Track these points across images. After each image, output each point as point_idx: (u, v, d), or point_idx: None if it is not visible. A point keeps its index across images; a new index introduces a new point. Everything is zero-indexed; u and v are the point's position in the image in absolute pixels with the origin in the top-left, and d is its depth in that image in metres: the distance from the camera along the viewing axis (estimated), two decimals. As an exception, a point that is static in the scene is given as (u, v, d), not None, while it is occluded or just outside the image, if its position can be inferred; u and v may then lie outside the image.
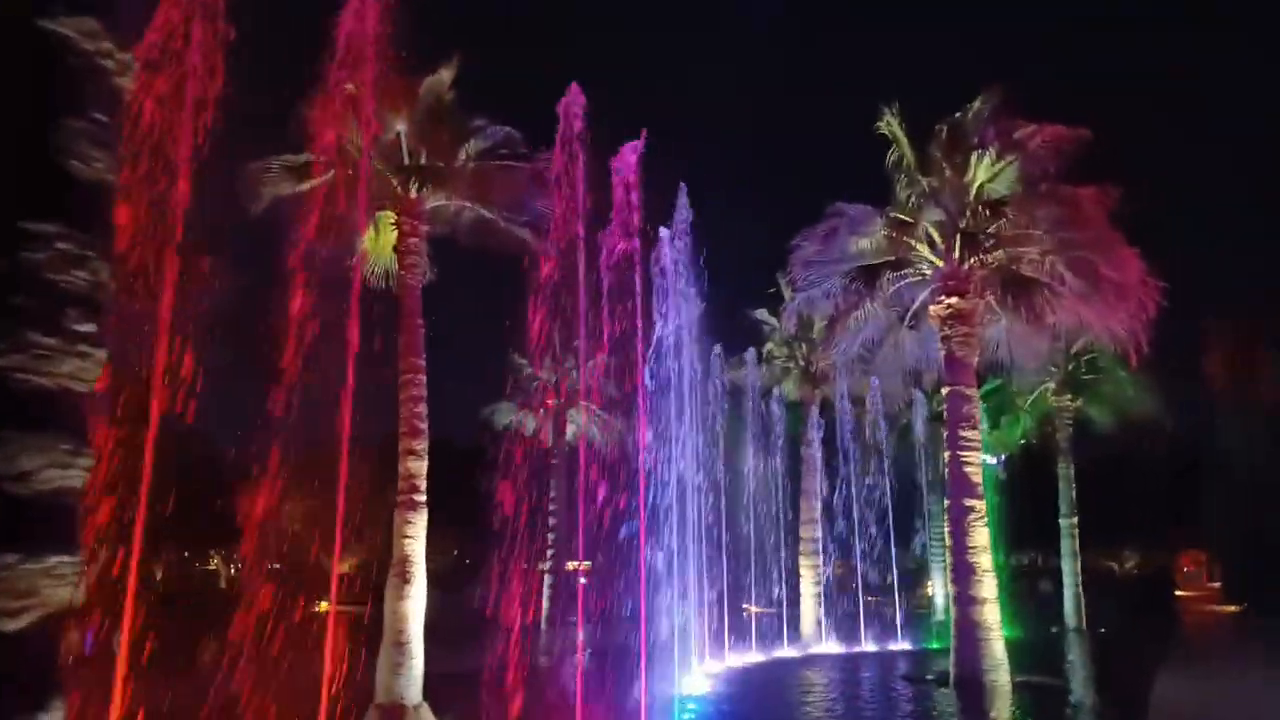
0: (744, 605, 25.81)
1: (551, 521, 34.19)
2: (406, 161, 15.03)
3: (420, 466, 14.28)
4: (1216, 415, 45.53)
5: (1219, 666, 22.75)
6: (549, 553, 33.38)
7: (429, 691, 13.15)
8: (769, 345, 30.29)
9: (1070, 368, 35.39)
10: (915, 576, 30.98)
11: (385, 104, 14.58)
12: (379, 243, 16.11)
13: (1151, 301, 17.54)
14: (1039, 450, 38.06)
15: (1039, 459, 37.83)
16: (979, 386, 35.29)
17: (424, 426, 14.38)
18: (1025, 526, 41.16)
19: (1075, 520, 35.18)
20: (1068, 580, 34.70)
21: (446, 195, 15.36)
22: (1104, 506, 48.12)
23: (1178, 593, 56.69)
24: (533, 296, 12.53)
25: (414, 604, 13.96)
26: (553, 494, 34.01)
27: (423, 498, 14.28)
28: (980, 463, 17.82)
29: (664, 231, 13.56)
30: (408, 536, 14.13)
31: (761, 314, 30.32)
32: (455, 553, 46.49)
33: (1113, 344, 19.01)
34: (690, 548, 16.92)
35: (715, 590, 19.57)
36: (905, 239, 18.63)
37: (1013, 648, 25.74)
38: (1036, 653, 25.37)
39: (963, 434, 17.81)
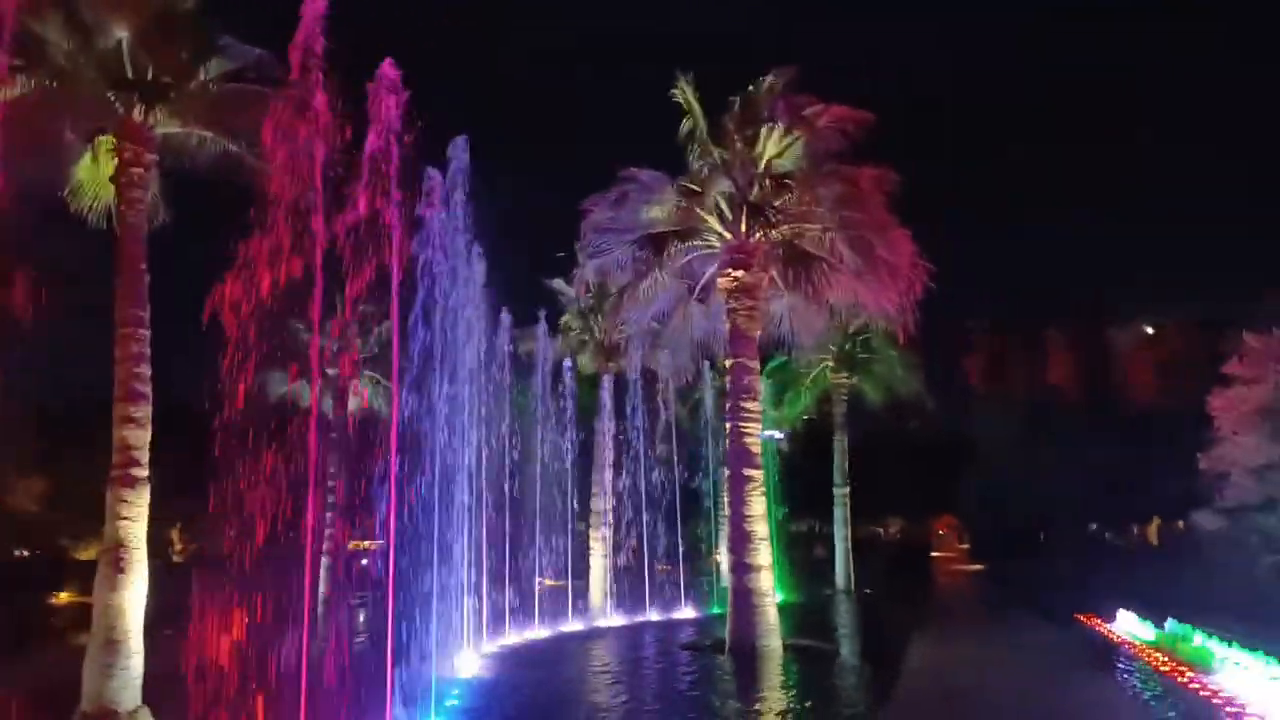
0: (539, 579, 25.18)
1: (330, 499, 31.84)
2: (129, 75, 12.71)
3: (140, 436, 12.23)
4: (973, 401, 50.68)
5: (964, 621, 25.14)
6: (327, 532, 30.99)
7: (158, 693, 11.34)
8: (565, 317, 29.64)
9: (848, 347, 37.54)
10: (704, 546, 31.68)
11: (103, 2, 12.27)
12: (98, 173, 13.64)
13: (919, 282, 18.49)
14: (819, 425, 40.22)
15: (819, 433, 39.98)
16: (765, 363, 36.79)
17: (145, 390, 12.31)
18: (804, 496, 43.67)
19: (847, 490, 37.50)
20: (839, 546, 37.01)
21: (181, 121, 13.19)
22: (873, 478, 52.19)
23: (933, 554, 62.87)
24: (288, 250, 10.90)
25: (131, 595, 11.97)
26: (332, 469, 31.64)
27: (143, 472, 12.25)
28: (759, 434, 18.09)
29: (434, 174, 12.28)
30: (123, 518, 12.07)
31: (558, 284, 29.54)
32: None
33: (884, 322, 19.91)
34: (472, 522, 15.94)
35: (499, 565, 18.72)
36: (695, 209, 18.48)
37: (789, 611, 27.11)
38: (809, 616, 26.70)
39: (743, 405, 17.98)
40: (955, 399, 53.81)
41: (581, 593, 25.60)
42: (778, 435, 55.13)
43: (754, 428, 18.00)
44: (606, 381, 26.70)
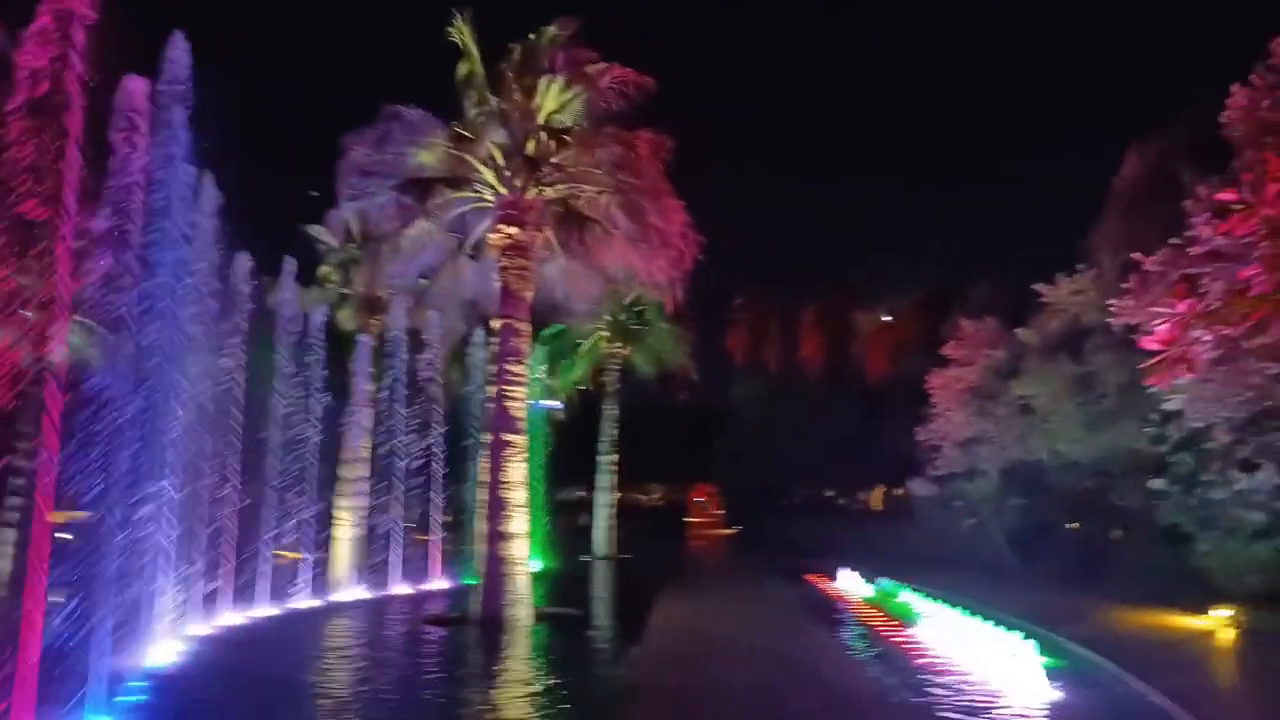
0: (277, 551, 23.07)
1: (26, 464, 27.29)
2: None
3: None
4: (732, 373, 53.59)
5: (710, 582, 26.48)
6: (16, 501, 26.53)
7: None
8: (324, 267, 27.27)
9: (622, 318, 38.08)
10: (467, 515, 30.80)
11: None
12: None
13: (690, 253, 18.76)
14: (593, 394, 40.50)
15: (593, 402, 40.27)
16: (541, 329, 36.32)
17: None
18: (575, 464, 44.01)
19: (614, 458, 38.14)
20: (600, 513, 37.64)
21: None
22: (639, 446, 53.73)
23: (690, 519, 66.12)
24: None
25: None
26: (29, 430, 27.08)
27: None
28: (524, 399, 17.55)
29: (135, 83, 10.08)
30: None
31: (318, 231, 27.06)
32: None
33: (654, 290, 20.04)
34: (186, 490, 13.98)
35: (224, 537, 16.71)
36: (467, 157, 17.45)
37: (546, 579, 27.15)
38: (566, 583, 26.82)
39: (510, 368, 17.37)
40: (717, 371, 56.78)
41: (326, 566, 23.89)
42: (555, 405, 55.20)
43: (519, 392, 17.44)
44: (366, 340, 24.87)
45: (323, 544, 22.84)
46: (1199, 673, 12.37)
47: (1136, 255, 14.59)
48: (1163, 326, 10.77)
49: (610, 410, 38.17)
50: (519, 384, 17.39)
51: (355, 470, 24.48)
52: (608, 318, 37.64)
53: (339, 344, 26.25)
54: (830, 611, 18.81)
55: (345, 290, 27.09)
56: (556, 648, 14.68)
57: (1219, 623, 15.86)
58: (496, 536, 16.58)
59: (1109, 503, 25.43)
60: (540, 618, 16.91)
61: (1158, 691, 10.73)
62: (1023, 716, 9.92)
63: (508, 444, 17.01)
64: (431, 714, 10.58)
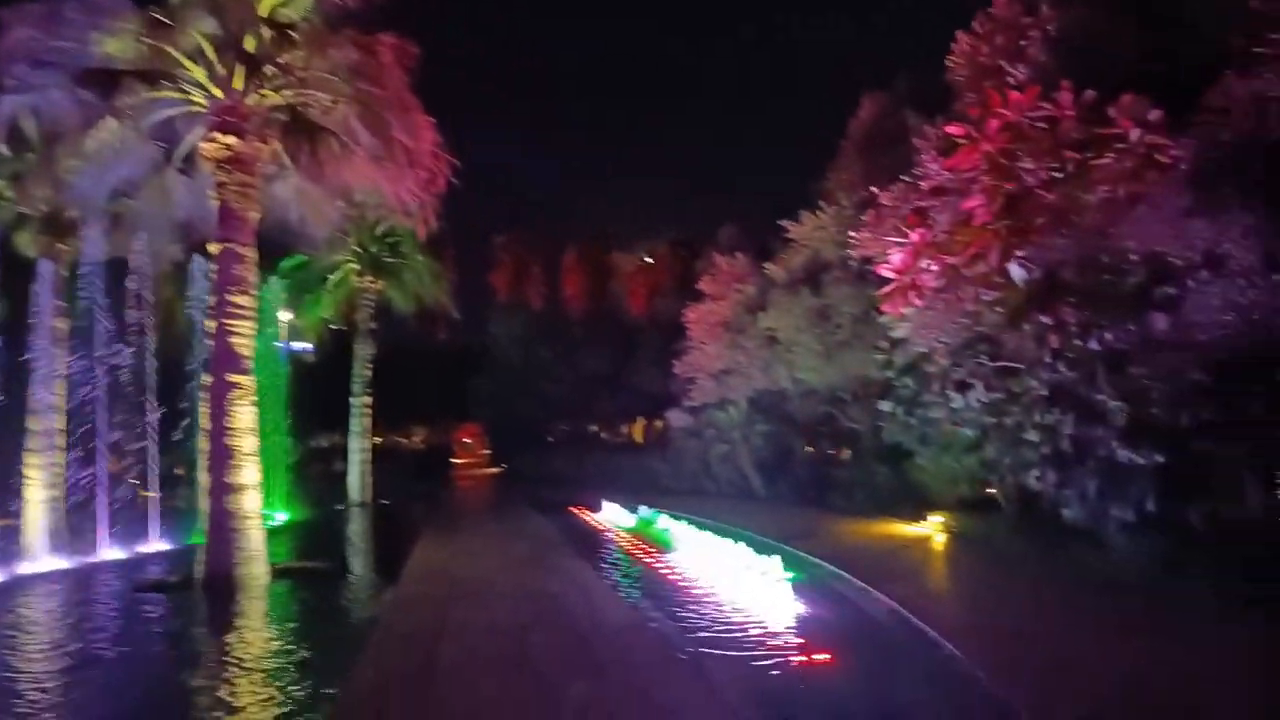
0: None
1: None
2: None
3: None
4: (495, 312, 52.27)
5: (473, 522, 25.79)
6: None
7: None
8: (-5, 181, 22.48)
9: (374, 250, 35.50)
10: (186, 467, 27.48)
11: None
12: None
13: (442, 175, 17.39)
14: (348, 334, 37.72)
15: (349, 342, 37.51)
16: (280, 260, 32.85)
17: None
18: (328, 409, 41.04)
19: (367, 400, 35.87)
20: (354, 458, 35.43)
21: None
22: (398, 387, 51.31)
23: (455, 460, 64.71)
24: None
25: None
26: None
27: None
28: (252, 334, 15.52)
29: None
30: None
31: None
32: None
33: (405, 216, 18.46)
34: None
35: None
36: (168, 49, 14.73)
37: (291, 532, 25.08)
38: (315, 534, 24.90)
39: (233, 300, 15.22)
40: (478, 310, 55.27)
41: (13, 533, 20.28)
42: (304, 347, 50.93)
43: (244, 327, 15.36)
44: (50, 267, 20.96)
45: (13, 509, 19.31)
46: (918, 576, 13.61)
47: (873, 189, 15.47)
48: (896, 256, 11.31)
49: (363, 350, 35.70)
50: (244, 318, 15.31)
51: (44, 422, 20.78)
52: (357, 249, 34.97)
53: (18, 273, 22.04)
54: (592, 543, 18.86)
55: (23, 209, 22.58)
56: (294, 605, 13.31)
57: (934, 528, 17.75)
58: (223, 489, 14.66)
59: (841, 426, 27.79)
60: (280, 574, 15.32)
61: (885, 596, 11.64)
62: (772, 632, 10.27)
63: (233, 386, 14.99)
64: (134, 695, 9.04)
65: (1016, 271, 10.22)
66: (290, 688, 8.81)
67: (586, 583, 13.89)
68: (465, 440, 74.38)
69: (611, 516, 23.28)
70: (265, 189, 17.12)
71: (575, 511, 25.82)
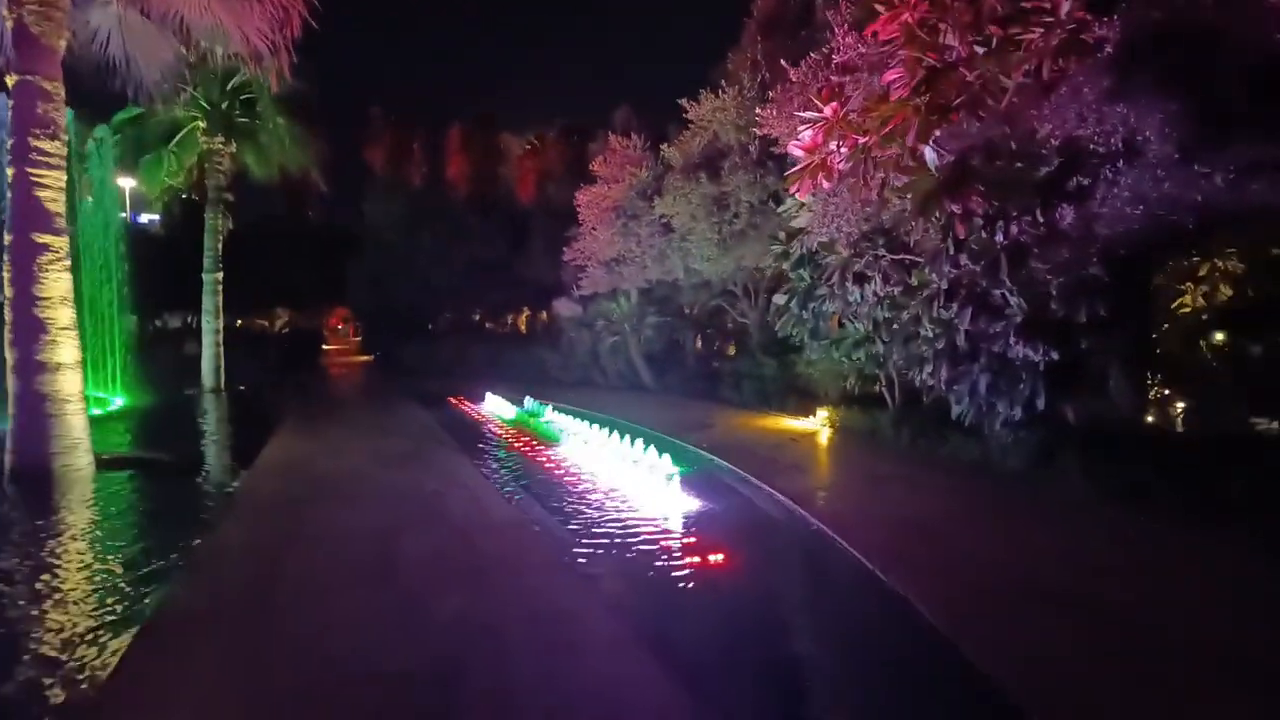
0: None
1: None
2: None
3: None
4: (370, 191, 48.69)
5: (341, 412, 24.21)
6: None
7: None
8: None
9: (224, 105, 31.76)
10: None
11: None
12: None
13: (297, 15, 15.03)
14: (202, 206, 34.06)
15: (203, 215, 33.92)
16: (109, 111, 28.89)
17: None
18: (181, 287, 37.59)
19: (219, 276, 32.78)
20: (207, 340, 32.62)
21: None
22: (263, 266, 47.67)
23: (326, 347, 61.61)
24: None
25: None
26: None
27: None
28: (63, 187, 13.14)
29: None
30: None
31: None
32: None
33: (255, 61, 15.95)
34: None
35: None
36: None
37: (130, 418, 22.81)
38: (158, 422, 22.74)
39: (37, 145, 12.75)
40: (354, 189, 51.54)
41: None
42: (150, 218, 46.09)
43: (53, 178, 12.97)
44: None
45: None
46: (808, 470, 13.32)
47: (783, 62, 14.38)
48: (806, 133, 10.31)
49: (214, 220, 32.32)
50: (52, 166, 12.89)
51: None
52: (205, 104, 31.17)
53: None
54: (473, 436, 17.83)
55: None
56: (118, 504, 11.72)
57: (822, 423, 17.62)
58: (34, 367, 12.61)
59: (732, 320, 27.42)
60: (107, 465, 13.56)
61: (776, 490, 11.22)
62: (664, 530, 9.67)
63: (42, 247, 12.73)
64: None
65: (930, 154, 9.45)
66: (81, 614, 7.42)
67: (465, 479, 12.92)
68: (337, 326, 71.01)
69: (495, 408, 22.25)
70: (78, 16, 14.36)
71: (456, 403, 24.63)
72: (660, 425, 17.75)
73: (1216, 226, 9.67)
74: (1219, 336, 12.35)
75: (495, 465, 14.26)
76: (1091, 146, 9.38)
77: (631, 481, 11.90)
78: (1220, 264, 11.67)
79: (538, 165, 50.51)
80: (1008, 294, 10.46)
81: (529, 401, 21.73)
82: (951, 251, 11.05)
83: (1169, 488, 9.73)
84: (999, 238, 10.43)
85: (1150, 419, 12.37)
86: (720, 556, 8.44)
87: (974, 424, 12.42)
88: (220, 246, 32.70)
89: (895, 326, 13.59)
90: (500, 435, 17.92)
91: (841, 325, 15.75)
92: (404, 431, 18.68)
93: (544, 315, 45.91)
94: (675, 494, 10.76)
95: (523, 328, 49.29)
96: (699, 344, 29.16)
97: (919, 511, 9.99)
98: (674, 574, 8.14)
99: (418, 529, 9.67)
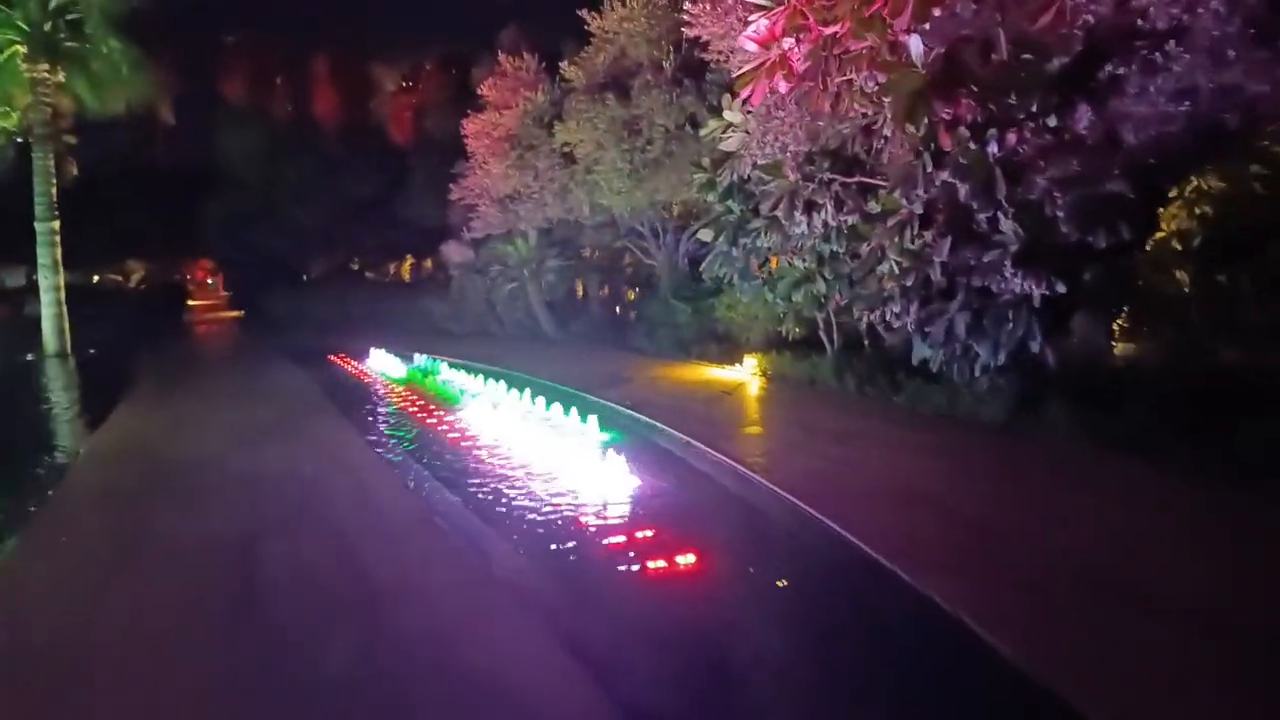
0: None
1: None
2: None
3: None
4: (228, 129, 43.58)
5: (204, 376, 21.05)
6: None
7: None
8: None
9: (48, 27, 27.04)
10: None
11: None
12: None
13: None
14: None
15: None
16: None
17: None
18: (19, 241, 32.50)
19: (55, 225, 28.36)
20: (46, 299, 28.30)
21: None
22: (110, 215, 42.45)
23: (192, 302, 56.17)
24: None
25: None
26: None
27: None
28: None
29: None
30: None
31: None
32: None
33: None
34: None
35: None
36: None
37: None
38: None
39: None
40: (207, 124, 46.13)
41: None
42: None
43: None
44: None
45: None
46: (758, 430, 11.72)
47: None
48: (761, 22, 8.30)
49: (43, 160, 27.77)
50: None
51: None
52: (21, 23, 26.43)
53: None
54: (359, 401, 15.38)
55: None
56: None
57: (752, 372, 16.04)
58: None
59: (636, 262, 25.47)
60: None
61: (726, 456, 9.50)
62: (610, 521, 7.77)
63: None
64: None
65: (915, 46, 7.64)
66: None
67: (350, 458, 10.63)
68: (202, 280, 64.96)
69: (382, 366, 19.69)
70: None
71: (337, 361, 21.84)
72: (573, 380, 15.77)
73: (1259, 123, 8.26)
74: (1192, 266, 11.30)
75: (387, 438, 11.96)
76: (1139, 24, 7.71)
77: (555, 453, 9.93)
78: (1204, 183, 10.50)
79: (417, 96, 46.45)
80: (1001, 217, 8.92)
81: (420, 357, 19.29)
82: (929, 169, 9.40)
83: (1175, 437, 8.54)
84: (992, 149, 8.82)
85: (1117, 357, 11.29)
86: (692, 558, 6.61)
87: (935, 370, 11.03)
88: (54, 191, 28.21)
89: (851, 261, 11.97)
90: (390, 398, 15.52)
91: (779, 263, 14.07)
92: (276, 398, 16.04)
93: (428, 263, 42.72)
94: (611, 468, 8.86)
95: (405, 276, 45.88)
96: (605, 290, 27.14)
97: (909, 478, 8.45)
98: (644, 593, 6.22)
99: (284, 538, 7.43)
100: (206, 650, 5.31)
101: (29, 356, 27.20)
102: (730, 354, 18.07)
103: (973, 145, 9.00)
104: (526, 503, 8.29)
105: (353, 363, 21.08)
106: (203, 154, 47.30)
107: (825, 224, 11.72)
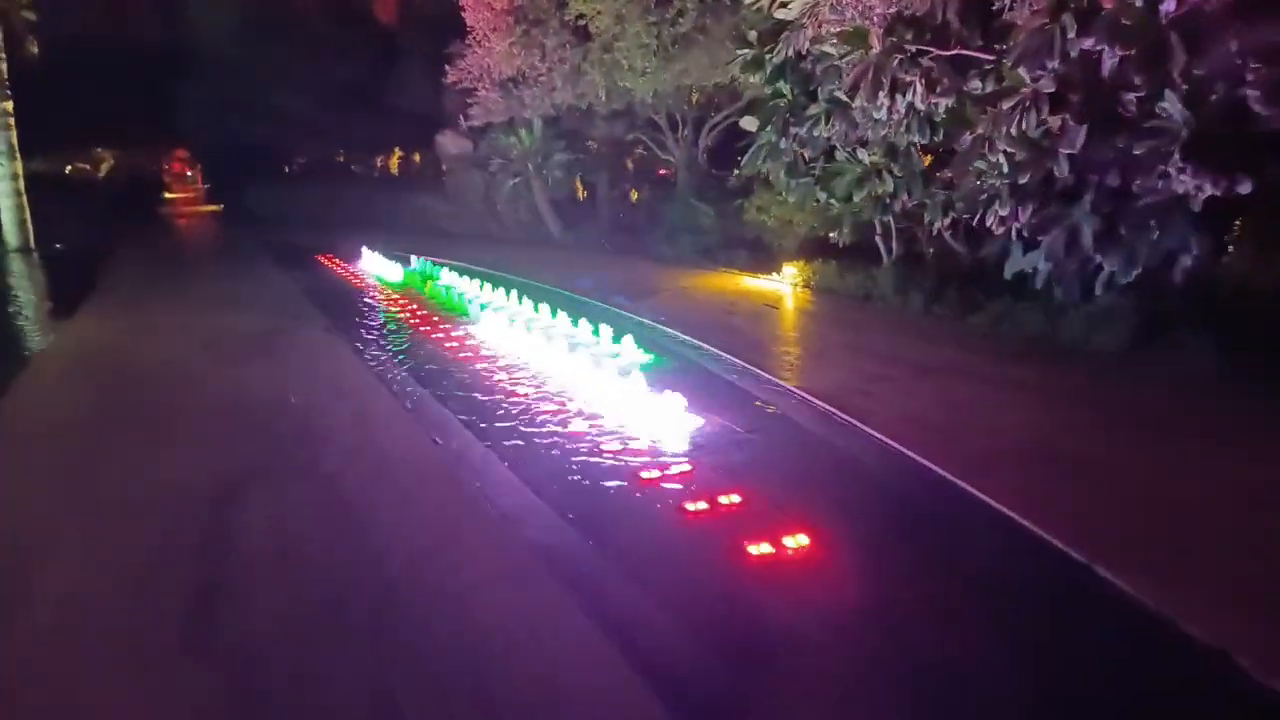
0: None
1: None
2: None
3: None
4: (197, 4, 39.83)
5: (178, 278, 19.07)
6: None
7: None
8: None
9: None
10: None
11: None
12: None
13: None
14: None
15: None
16: None
17: None
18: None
19: (8, 106, 25.69)
20: (2, 186, 25.91)
21: None
22: (76, 99, 39.31)
23: (169, 195, 53.19)
24: None
25: None
26: None
27: None
28: None
29: None
30: None
31: None
32: None
33: None
34: None
35: None
36: None
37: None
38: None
39: None
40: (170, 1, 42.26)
41: None
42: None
43: None
44: None
45: None
46: (823, 355, 10.09)
47: None
48: None
49: (-12, 34, 24.88)
50: None
51: None
52: None
53: None
54: (351, 309, 13.57)
55: None
56: None
57: (790, 281, 14.32)
58: None
59: (654, 158, 23.27)
60: None
61: (799, 389, 7.87)
62: (681, 480, 6.13)
63: None
64: None
65: None
66: None
67: (346, 380, 8.96)
68: (180, 171, 61.63)
69: (376, 268, 17.79)
70: None
71: (325, 262, 19.88)
72: (594, 290, 14.01)
73: None
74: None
75: (387, 356, 10.21)
76: None
77: (592, 384, 8.27)
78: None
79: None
80: (1170, 97, 7.02)
81: (416, 260, 17.39)
82: (1070, 33, 7.41)
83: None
84: (1166, 6, 6.84)
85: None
86: (804, 539, 5.02)
87: (1040, 287, 9.32)
88: (5, 68, 25.42)
89: (927, 156, 10.07)
90: (387, 306, 13.71)
91: (848, 155, 12.07)
92: (257, 303, 14.26)
93: (416, 157, 40.02)
94: (667, 405, 7.22)
95: (394, 170, 43.18)
96: (622, 189, 24.95)
97: (1044, 428, 6.85)
98: (761, 597, 4.63)
99: (268, 488, 5.83)
100: (162, 667, 3.74)
101: (-10, 253, 25.05)
102: (762, 262, 16.29)
103: (1139, 1, 7.01)
104: (578, 457, 6.63)
105: (342, 264, 19.14)
106: (176, 31, 43.59)
107: (911, 108, 9.73)
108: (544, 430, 7.15)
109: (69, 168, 49.55)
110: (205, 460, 6.53)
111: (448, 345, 10.53)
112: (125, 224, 33.97)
